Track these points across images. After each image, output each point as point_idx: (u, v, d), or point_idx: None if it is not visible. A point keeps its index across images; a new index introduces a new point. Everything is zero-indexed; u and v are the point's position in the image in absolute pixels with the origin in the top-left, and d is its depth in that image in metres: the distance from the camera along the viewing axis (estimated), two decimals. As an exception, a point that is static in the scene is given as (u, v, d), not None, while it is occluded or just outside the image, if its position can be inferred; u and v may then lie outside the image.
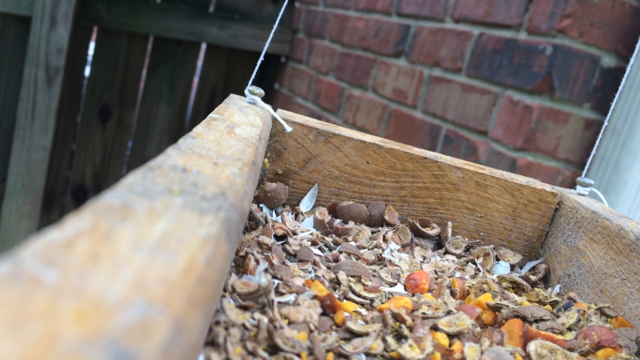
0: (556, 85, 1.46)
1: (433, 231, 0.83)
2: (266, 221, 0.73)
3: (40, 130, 2.38)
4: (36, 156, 2.43)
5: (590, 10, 1.44)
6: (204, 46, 2.79)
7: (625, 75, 1.47)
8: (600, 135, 0.91)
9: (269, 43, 0.87)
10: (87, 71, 2.68)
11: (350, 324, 0.56)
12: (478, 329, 0.60)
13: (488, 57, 1.65)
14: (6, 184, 2.45)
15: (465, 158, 1.66)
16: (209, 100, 2.87)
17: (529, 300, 0.70)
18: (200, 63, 2.81)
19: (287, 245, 0.71)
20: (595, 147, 0.91)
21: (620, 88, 1.47)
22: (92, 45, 2.65)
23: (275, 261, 0.65)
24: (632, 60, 1.44)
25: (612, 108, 0.91)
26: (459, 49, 1.77)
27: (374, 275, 0.70)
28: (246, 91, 0.81)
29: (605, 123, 0.90)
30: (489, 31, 1.67)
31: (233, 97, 0.83)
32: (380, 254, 0.76)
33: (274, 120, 0.80)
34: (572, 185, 1.55)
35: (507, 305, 0.64)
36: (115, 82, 2.69)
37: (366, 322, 0.59)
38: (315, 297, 0.59)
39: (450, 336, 0.58)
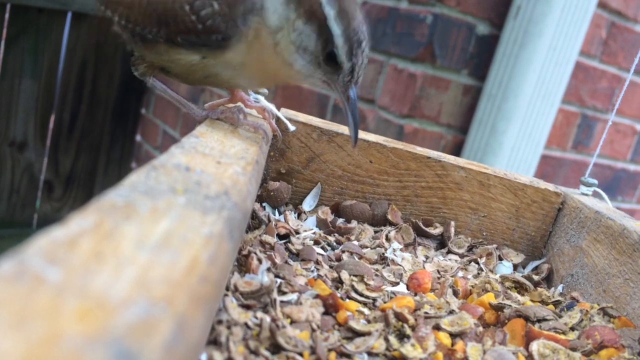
0: (437, 53, 1.50)
1: (436, 231, 0.83)
2: (269, 220, 0.73)
3: None
4: None
5: None
6: (69, 15, 2.51)
7: (499, 42, 1.53)
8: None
9: None
10: None
11: (353, 323, 0.56)
12: (480, 329, 0.60)
13: (372, 26, 1.66)
14: None
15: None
16: (79, 74, 2.59)
17: (532, 300, 0.70)
18: (66, 33, 2.54)
19: (289, 245, 0.71)
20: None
21: (494, 55, 1.54)
22: None
23: (277, 260, 0.65)
24: (504, 28, 1.50)
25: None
26: None
27: (376, 275, 0.70)
28: (250, 91, 0.81)
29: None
30: (372, 0, 1.68)
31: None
32: (383, 254, 0.76)
33: (277, 119, 0.81)
34: (455, 149, 1.62)
35: (510, 305, 0.64)
36: None
37: (368, 322, 0.59)
38: (317, 296, 0.59)
39: (453, 336, 0.58)
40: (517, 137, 1.58)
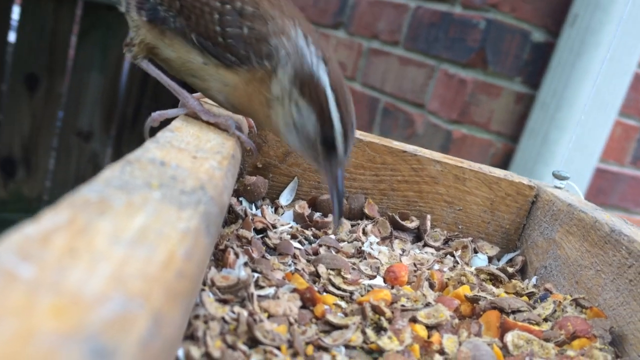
0: (489, 59, 1.49)
1: (412, 224, 0.84)
2: (246, 215, 0.73)
3: None
4: None
5: None
6: None
7: (554, 50, 1.51)
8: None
9: None
10: (12, 37, 2.51)
11: (330, 317, 0.56)
12: (456, 321, 0.60)
13: (424, 31, 1.66)
14: None
15: (403, 131, 1.68)
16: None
17: (506, 292, 0.71)
18: None
19: (266, 239, 0.71)
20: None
21: (549, 63, 1.51)
22: (16, 10, 2.49)
23: (255, 255, 0.65)
24: (560, 36, 1.45)
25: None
26: (396, 21, 1.77)
27: (353, 268, 0.70)
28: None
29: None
30: (426, 4, 1.67)
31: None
32: (360, 247, 0.76)
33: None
34: (504, 157, 1.60)
35: (485, 297, 0.64)
36: (43, 49, 2.51)
37: (346, 315, 0.59)
38: (295, 290, 0.59)
39: (429, 328, 0.58)
40: (571, 148, 1.52)
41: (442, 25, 1.60)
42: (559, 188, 0.88)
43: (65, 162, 2.72)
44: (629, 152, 1.80)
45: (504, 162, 1.60)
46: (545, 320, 0.64)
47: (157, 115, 0.69)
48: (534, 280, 0.78)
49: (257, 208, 0.81)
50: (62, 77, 2.62)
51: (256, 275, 0.60)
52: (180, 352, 0.44)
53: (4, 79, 2.53)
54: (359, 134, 0.85)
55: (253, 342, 0.49)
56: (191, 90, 0.72)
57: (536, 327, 0.60)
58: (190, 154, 0.51)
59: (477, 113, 1.52)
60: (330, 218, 0.81)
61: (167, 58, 0.68)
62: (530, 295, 0.71)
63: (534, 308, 0.67)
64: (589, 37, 1.46)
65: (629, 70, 1.57)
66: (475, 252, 0.84)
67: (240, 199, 0.80)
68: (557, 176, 0.89)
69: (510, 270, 0.79)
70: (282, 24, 0.62)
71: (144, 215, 0.34)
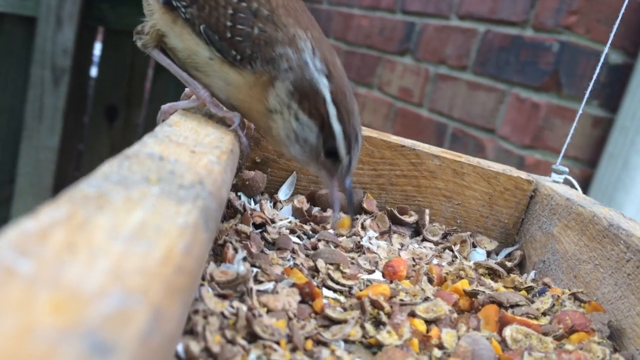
0: (563, 82, 1.44)
1: (411, 219, 0.84)
2: (244, 209, 0.73)
3: (47, 131, 2.39)
4: (44, 156, 2.40)
5: (597, 6, 1.42)
6: None
7: (633, 72, 1.43)
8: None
9: None
10: (94, 72, 2.69)
11: (329, 311, 0.56)
12: (455, 315, 0.60)
13: (494, 55, 1.63)
14: (15, 184, 2.41)
15: (473, 156, 1.64)
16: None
17: (505, 286, 0.71)
18: None
19: (265, 234, 0.71)
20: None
21: (628, 85, 1.42)
22: (98, 46, 2.68)
23: (253, 249, 0.65)
24: (639, 57, 1.36)
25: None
26: (464, 46, 1.75)
27: (352, 263, 0.70)
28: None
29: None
30: (495, 28, 1.64)
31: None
32: (359, 242, 0.76)
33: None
34: (582, 183, 1.52)
35: (484, 292, 0.64)
36: (122, 82, 2.69)
37: (345, 309, 0.59)
38: (294, 285, 0.59)
39: (428, 322, 0.58)
40: None
41: (512, 48, 1.56)
42: (557, 182, 0.88)
43: None
44: None
45: (582, 187, 1.47)
46: (544, 314, 0.65)
47: (168, 107, 0.69)
48: (532, 274, 0.78)
49: (255, 203, 0.81)
50: (139, 108, 2.77)
51: (255, 270, 0.60)
52: (180, 347, 0.44)
53: (86, 111, 2.69)
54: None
55: (252, 337, 0.49)
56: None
57: (534, 322, 0.60)
58: (189, 148, 0.51)
59: (551, 138, 1.47)
60: (329, 212, 0.81)
61: (174, 47, 0.67)
62: (528, 289, 0.71)
63: (533, 302, 0.67)
64: None
65: None
66: (474, 246, 0.84)
67: (239, 193, 0.80)
68: (555, 170, 0.89)
69: (509, 264, 0.79)
70: (293, 34, 0.62)
71: (142, 210, 0.34)
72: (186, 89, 0.73)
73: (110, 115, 2.71)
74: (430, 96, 1.87)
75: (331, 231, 0.77)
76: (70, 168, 2.71)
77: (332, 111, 0.61)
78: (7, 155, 2.45)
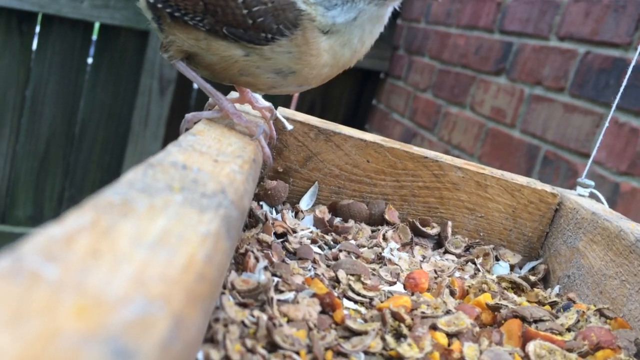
0: None
1: (433, 230, 0.83)
2: (266, 219, 0.73)
3: (151, 137, 2.56)
4: None
5: None
6: None
7: None
8: None
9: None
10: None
11: (350, 322, 0.56)
12: (477, 329, 0.60)
13: (594, 77, 1.58)
14: None
15: (565, 181, 1.61)
16: (308, 113, 3.04)
17: (529, 301, 0.70)
18: None
19: (287, 243, 0.71)
20: None
21: None
22: None
23: (275, 259, 0.65)
24: None
25: None
26: (562, 67, 1.71)
27: (373, 274, 0.70)
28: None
29: None
30: (596, 50, 1.60)
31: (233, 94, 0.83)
32: (380, 253, 0.76)
33: (275, 118, 0.80)
34: None
35: (507, 306, 0.64)
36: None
37: (365, 321, 0.59)
38: (314, 295, 0.59)
39: (450, 336, 0.58)
40: None
41: (613, 71, 1.52)
42: (583, 196, 0.87)
43: None
44: None
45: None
46: (568, 330, 0.63)
47: (192, 116, 0.69)
48: (556, 289, 0.77)
49: (277, 212, 0.81)
50: None
51: (276, 279, 0.60)
52: (200, 355, 0.44)
53: None
54: (379, 139, 0.85)
55: (272, 347, 0.49)
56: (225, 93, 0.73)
57: (559, 337, 0.59)
58: (212, 157, 0.52)
59: None
60: (350, 223, 0.81)
61: (210, 63, 0.68)
62: (552, 304, 0.70)
63: (557, 317, 0.66)
64: None
65: None
66: (497, 259, 0.83)
67: (261, 203, 0.80)
68: (581, 184, 0.87)
69: (533, 278, 0.78)
70: None
71: (165, 218, 0.34)
72: (210, 99, 0.74)
73: None
74: (523, 117, 1.83)
75: (353, 242, 0.77)
76: None
77: None
78: (114, 158, 2.63)
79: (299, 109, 2.90)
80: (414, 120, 2.51)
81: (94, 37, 2.50)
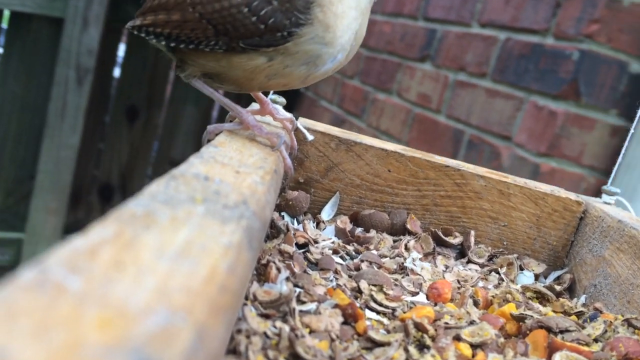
0: (582, 91, 1.44)
1: (456, 240, 0.83)
2: (288, 229, 0.73)
3: (69, 129, 2.42)
4: (65, 154, 2.46)
5: (619, 15, 1.41)
6: None
7: None
8: (626, 143, 0.90)
9: None
10: (117, 72, 2.75)
11: (372, 333, 0.55)
12: (502, 340, 0.59)
13: (514, 62, 1.64)
14: (35, 181, 2.47)
15: (488, 163, 1.66)
16: (235, 102, 2.96)
17: (554, 311, 0.69)
18: None
19: (308, 254, 0.71)
20: (621, 155, 0.90)
21: None
22: (122, 47, 2.73)
23: (296, 269, 0.65)
24: None
25: (639, 115, 0.89)
26: (484, 53, 1.77)
27: (395, 284, 0.69)
28: (268, 99, 0.81)
29: (632, 130, 0.89)
30: (516, 36, 1.65)
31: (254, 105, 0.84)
32: (402, 263, 0.75)
33: (296, 129, 0.81)
34: (596, 192, 1.53)
35: (532, 316, 0.63)
36: (144, 83, 2.75)
37: (388, 332, 0.59)
38: (336, 305, 0.59)
39: (473, 346, 0.57)
40: None
41: (532, 56, 1.58)
42: (608, 204, 0.85)
43: None
44: None
45: (597, 197, 1.52)
46: (596, 340, 0.62)
47: (213, 128, 0.70)
48: (582, 299, 0.76)
49: (298, 223, 0.81)
50: (159, 109, 2.84)
51: (298, 290, 0.60)
52: (223, 366, 0.44)
53: (107, 110, 2.77)
54: (400, 148, 0.85)
55: (295, 358, 0.49)
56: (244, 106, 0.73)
57: (586, 348, 0.58)
58: (234, 168, 0.52)
59: (568, 146, 1.48)
60: (372, 233, 0.80)
61: (235, 79, 0.68)
62: (579, 314, 0.69)
63: (583, 328, 0.64)
64: None
65: None
66: (521, 269, 0.82)
67: (282, 213, 0.80)
68: (606, 192, 0.86)
69: (558, 288, 0.76)
70: None
71: (187, 229, 0.34)
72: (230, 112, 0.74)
73: (131, 115, 2.77)
74: (448, 102, 1.89)
75: (374, 252, 0.77)
76: (90, 166, 2.78)
77: None
78: (29, 152, 2.51)
79: (225, 96, 2.83)
80: (343, 107, 2.55)
81: (4, 25, 2.37)
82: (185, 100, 2.84)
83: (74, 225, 2.72)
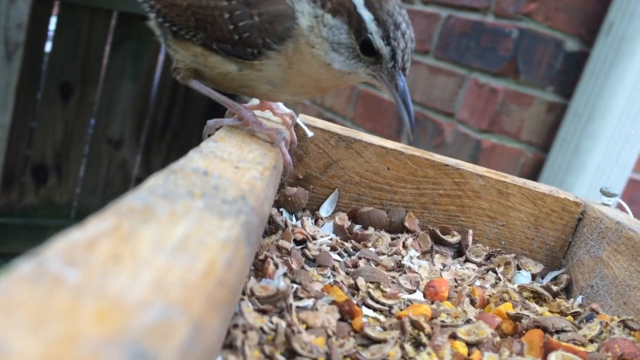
0: (521, 68, 1.48)
1: (453, 239, 0.83)
2: (286, 225, 0.73)
3: None
4: None
5: None
6: None
7: (589, 59, 1.49)
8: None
9: None
10: (48, 47, 2.60)
11: (369, 330, 0.56)
12: (498, 339, 0.59)
13: (455, 40, 1.66)
14: None
15: (432, 139, 1.68)
16: (175, 79, 2.79)
17: (550, 311, 0.69)
18: None
19: (306, 250, 0.71)
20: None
21: (583, 73, 1.49)
22: (53, 20, 2.57)
23: (294, 266, 0.65)
24: (595, 45, 1.44)
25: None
26: (427, 31, 1.78)
27: (393, 282, 0.70)
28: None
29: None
30: (457, 14, 1.67)
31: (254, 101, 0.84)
32: (400, 261, 0.75)
33: (296, 125, 0.81)
34: (535, 166, 1.59)
35: (528, 315, 0.63)
36: (77, 58, 2.61)
37: (384, 329, 0.59)
38: (333, 302, 0.59)
39: (469, 345, 0.57)
40: (603, 158, 1.52)
41: (473, 34, 1.61)
42: (607, 205, 0.85)
43: (95, 169, 2.78)
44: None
45: (534, 172, 1.60)
46: (591, 341, 0.62)
47: (214, 122, 0.70)
48: (579, 299, 0.76)
49: (297, 219, 0.81)
50: (95, 86, 2.68)
51: (295, 286, 0.60)
52: (219, 361, 0.44)
53: (39, 87, 2.60)
54: (400, 146, 0.85)
55: (291, 354, 0.49)
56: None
57: (581, 348, 0.58)
58: (233, 164, 0.52)
59: (508, 122, 1.52)
60: (370, 230, 0.80)
61: (212, 78, 0.69)
62: (575, 315, 0.69)
63: (579, 328, 0.65)
64: (624, 45, 1.44)
65: (664, 80, 1.54)
66: (519, 268, 0.82)
67: (281, 209, 0.80)
68: (605, 193, 0.86)
69: (555, 288, 0.77)
70: None
71: (186, 223, 0.34)
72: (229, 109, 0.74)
73: (65, 92, 2.63)
74: None
75: (372, 249, 0.77)
76: (22, 146, 2.64)
77: (358, 1, 0.57)
78: None
79: (165, 72, 2.69)
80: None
81: None
82: (122, 76, 2.69)
83: (6, 208, 2.60)
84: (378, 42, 0.58)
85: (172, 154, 2.88)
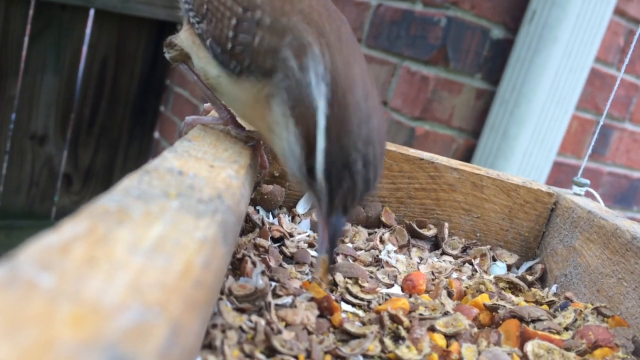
0: (450, 56, 1.51)
1: (430, 232, 0.83)
2: (263, 223, 0.73)
3: None
4: None
5: None
6: (92, 12, 2.54)
7: (514, 46, 1.55)
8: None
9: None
10: None
11: (348, 326, 0.56)
12: (475, 330, 0.60)
13: (386, 28, 1.68)
14: None
15: None
16: (100, 71, 2.63)
17: (526, 301, 0.70)
18: (89, 30, 2.58)
19: (284, 248, 0.71)
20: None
21: (508, 59, 1.55)
22: None
23: (272, 263, 0.65)
24: (519, 33, 1.49)
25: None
26: (358, 19, 1.79)
27: (371, 277, 0.70)
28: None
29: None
30: (387, 2, 1.69)
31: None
32: (377, 256, 0.76)
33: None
34: (466, 152, 1.64)
35: (504, 306, 0.64)
36: None
37: (363, 324, 0.59)
38: (312, 299, 0.59)
39: (448, 337, 0.58)
40: (530, 142, 1.58)
41: (403, 23, 1.63)
42: (579, 195, 0.87)
43: (18, 166, 2.61)
44: (585, 145, 1.86)
45: (466, 157, 1.64)
46: (566, 329, 0.64)
47: (191, 120, 0.69)
48: (554, 288, 0.77)
49: (274, 217, 0.81)
50: (14, 79, 2.51)
51: (273, 284, 0.60)
52: (198, 361, 0.44)
53: None
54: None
55: (271, 352, 0.49)
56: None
57: (557, 337, 0.59)
58: (208, 163, 0.52)
59: (439, 109, 1.56)
60: (347, 226, 0.81)
61: (197, 67, 0.68)
62: (550, 303, 0.70)
63: (555, 317, 0.66)
64: (546, 33, 1.50)
65: (585, 66, 1.62)
66: (494, 260, 0.83)
67: (257, 207, 0.80)
68: (576, 183, 0.88)
69: (530, 278, 0.78)
70: (301, 42, 0.55)
71: (161, 224, 0.34)
72: (205, 104, 0.74)
73: None
74: None
75: (350, 245, 0.77)
76: None
77: (321, 120, 0.51)
78: None
79: (89, 64, 2.59)
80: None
81: None
82: (43, 68, 2.54)
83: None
84: (319, 176, 0.52)
85: (100, 149, 2.73)
